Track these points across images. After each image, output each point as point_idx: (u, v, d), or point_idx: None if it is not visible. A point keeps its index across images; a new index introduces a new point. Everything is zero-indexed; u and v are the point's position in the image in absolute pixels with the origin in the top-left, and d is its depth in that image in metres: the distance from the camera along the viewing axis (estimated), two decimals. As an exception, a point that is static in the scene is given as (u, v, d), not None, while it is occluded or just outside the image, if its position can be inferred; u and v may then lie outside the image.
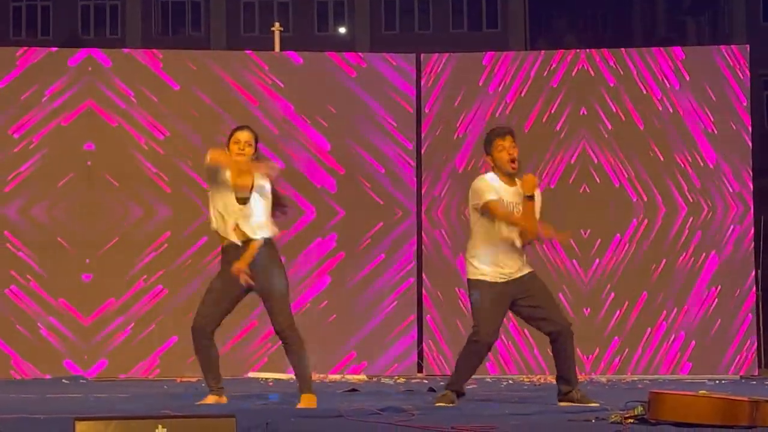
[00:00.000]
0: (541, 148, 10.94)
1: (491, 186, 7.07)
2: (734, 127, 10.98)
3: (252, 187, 7.02)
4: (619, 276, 10.91)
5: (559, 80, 11.09)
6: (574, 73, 11.08)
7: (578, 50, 11.35)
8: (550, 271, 10.61)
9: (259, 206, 7.00)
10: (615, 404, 6.38)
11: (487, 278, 7.09)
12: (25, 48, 11.06)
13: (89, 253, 10.65)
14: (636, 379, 10.51)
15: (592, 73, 11.08)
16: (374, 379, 10.46)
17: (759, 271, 11.31)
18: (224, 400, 7.14)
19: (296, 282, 10.51)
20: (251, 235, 6.96)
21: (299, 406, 6.88)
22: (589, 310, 10.87)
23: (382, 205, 11.01)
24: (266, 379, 10.28)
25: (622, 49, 11.28)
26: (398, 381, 10.24)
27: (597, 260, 10.94)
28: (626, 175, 10.98)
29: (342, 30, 31.52)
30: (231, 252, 7.01)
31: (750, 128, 11.02)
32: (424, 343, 11.00)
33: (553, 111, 11.06)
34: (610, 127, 11.03)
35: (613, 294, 10.90)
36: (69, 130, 10.71)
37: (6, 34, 30.28)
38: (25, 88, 10.71)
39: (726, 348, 10.83)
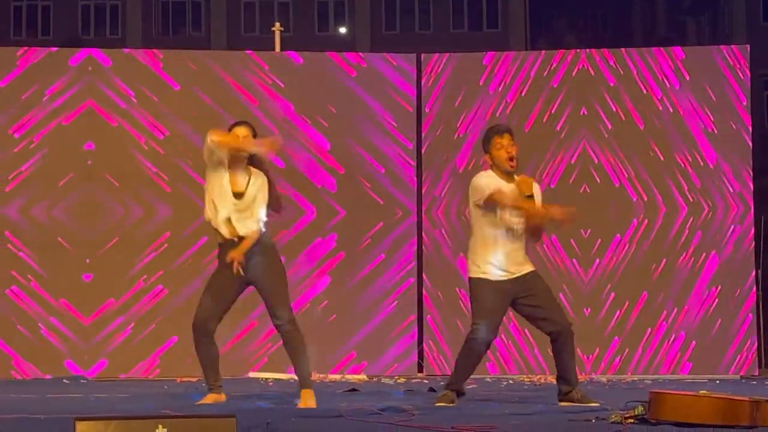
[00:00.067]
0: (542, 148, 10.94)
1: (492, 181, 7.08)
2: (734, 127, 10.98)
3: (249, 182, 7.03)
4: (620, 276, 10.91)
5: (560, 80, 11.09)
6: (574, 73, 11.09)
7: (578, 50, 11.35)
8: (550, 270, 10.61)
9: (255, 203, 6.99)
10: (615, 404, 6.38)
11: (488, 277, 7.09)
12: (26, 48, 11.06)
13: (89, 253, 10.65)
14: (636, 379, 10.51)
15: (592, 72, 11.08)
16: (374, 379, 10.46)
17: (759, 271, 11.31)
18: (223, 398, 7.15)
19: (296, 282, 10.52)
20: (241, 231, 6.96)
21: (300, 404, 6.89)
22: (589, 310, 10.87)
23: (382, 205, 11.01)
24: (266, 379, 10.28)
25: (623, 49, 11.28)
26: (398, 381, 10.24)
27: (597, 260, 10.94)
28: (626, 175, 10.98)
29: (342, 30, 31.53)
30: (228, 248, 7.02)
31: (750, 128, 11.02)
32: (424, 344, 11.00)
33: (553, 111, 11.06)
34: (610, 126, 11.04)
35: (613, 294, 10.90)
36: (69, 130, 10.71)
37: (6, 33, 30.29)
38: (25, 87, 10.71)
39: (726, 348, 10.83)
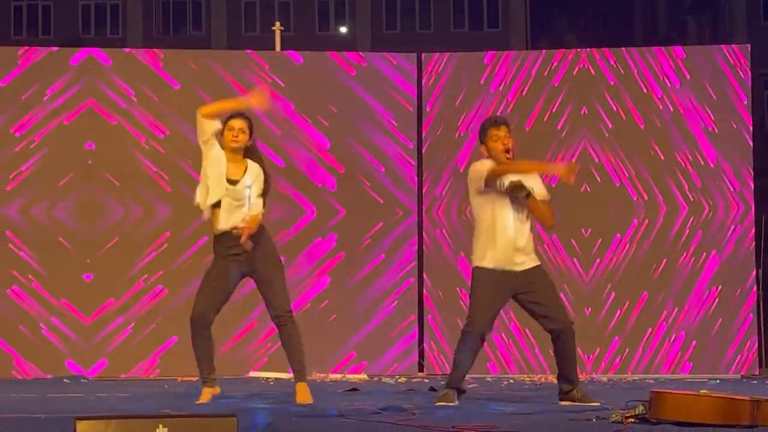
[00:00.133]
0: (542, 147, 10.92)
1: (488, 162, 7.13)
2: (735, 126, 10.97)
3: (245, 171, 7.05)
4: (620, 276, 10.90)
5: (560, 79, 11.08)
6: (575, 73, 11.08)
7: (579, 49, 11.35)
8: (550, 270, 10.58)
9: (251, 192, 7.01)
10: (616, 403, 6.38)
11: (488, 265, 7.08)
12: (27, 47, 11.06)
13: (90, 253, 10.65)
14: (637, 378, 10.50)
15: (592, 72, 11.07)
16: (375, 379, 10.45)
17: (760, 271, 11.30)
18: (217, 390, 7.20)
19: (296, 282, 10.52)
20: (229, 221, 6.97)
21: (297, 398, 6.93)
22: (589, 309, 10.86)
23: (382, 205, 11.01)
24: (267, 378, 10.27)
25: (623, 48, 11.28)
26: (399, 380, 10.23)
27: (598, 260, 10.94)
28: (627, 174, 10.98)
29: (343, 29, 31.53)
30: (224, 241, 7.04)
31: (751, 127, 11.01)
32: (425, 343, 10.99)
33: (554, 110, 11.06)
34: (610, 126, 11.03)
35: (613, 294, 10.89)
36: (70, 130, 10.71)
37: (7, 33, 30.30)
38: (26, 87, 10.71)
39: (727, 348, 10.82)
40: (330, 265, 10.91)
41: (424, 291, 11.08)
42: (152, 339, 10.60)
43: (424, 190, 11.16)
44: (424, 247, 11.09)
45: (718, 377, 10.52)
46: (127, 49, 12.37)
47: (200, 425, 4.63)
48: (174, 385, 9.42)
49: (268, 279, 7.06)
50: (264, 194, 7.11)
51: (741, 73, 10.99)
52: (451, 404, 7.01)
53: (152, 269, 10.68)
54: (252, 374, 10.53)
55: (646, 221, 10.94)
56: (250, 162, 7.10)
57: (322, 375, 10.40)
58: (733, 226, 10.88)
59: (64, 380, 10.06)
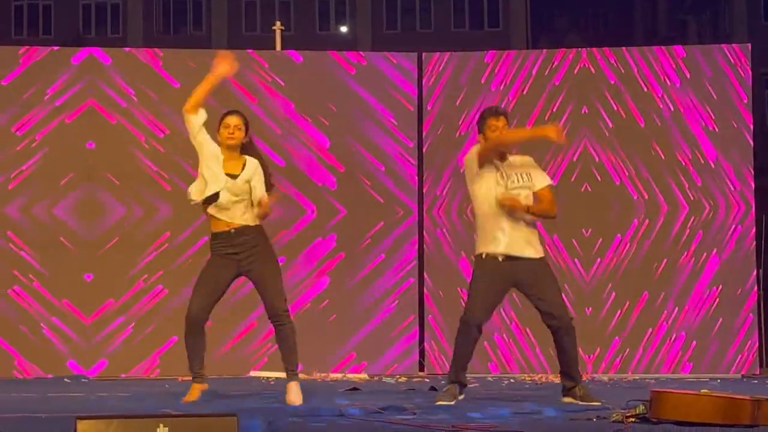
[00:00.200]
0: (543, 146, 10.86)
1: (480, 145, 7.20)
2: (735, 126, 10.97)
3: (243, 166, 7.06)
4: (620, 275, 10.90)
5: (561, 79, 11.08)
6: (575, 72, 11.08)
7: (579, 49, 11.35)
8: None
9: (251, 187, 7.04)
10: (617, 403, 6.38)
11: (488, 250, 7.10)
12: (28, 47, 11.07)
13: (90, 253, 10.65)
14: (637, 378, 10.50)
15: (593, 71, 11.07)
16: (375, 378, 10.45)
17: (760, 271, 11.30)
18: (206, 386, 7.24)
19: (296, 282, 10.52)
20: (230, 216, 6.99)
21: (287, 399, 6.94)
22: (590, 309, 10.86)
23: (382, 204, 11.00)
24: (267, 377, 10.27)
25: (624, 47, 11.28)
26: (400, 380, 10.23)
27: (598, 259, 10.93)
28: (627, 174, 10.97)
29: (343, 29, 31.54)
30: (221, 239, 7.05)
31: (751, 126, 11.01)
32: (425, 343, 10.99)
33: (554, 109, 11.05)
34: (611, 125, 11.03)
35: (614, 293, 10.89)
36: (71, 129, 10.71)
37: (8, 33, 30.32)
38: (27, 86, 10.71)
39: (727, 347, 10.82)
40: (330, 265, 10.90)
41: (425, 291, 11.07)
42: (152, 339, 10.60)
43: (424, 190, 11.16)
44: (424, 246, 11.09)
45: (719, 377, 10.52)
46: (127, 49, 12.36)
47: (200, 425, 4.64)
48: (174, 384, 9.42)
49: (264, 278, 7.07)
50: (268, 188, 7.15)
51: (741, 73, 10.99)
52: (454, 400, 7.03)
53: (152, 269, 10.68)
54: (252, 374, 10.54)
55: (647, 221, 10.93)
56: (248, 158, 7.13)
57: (322, 375, 10.40)
58: (733, 226, 10.88)
59: (65, 380, 10.07)
